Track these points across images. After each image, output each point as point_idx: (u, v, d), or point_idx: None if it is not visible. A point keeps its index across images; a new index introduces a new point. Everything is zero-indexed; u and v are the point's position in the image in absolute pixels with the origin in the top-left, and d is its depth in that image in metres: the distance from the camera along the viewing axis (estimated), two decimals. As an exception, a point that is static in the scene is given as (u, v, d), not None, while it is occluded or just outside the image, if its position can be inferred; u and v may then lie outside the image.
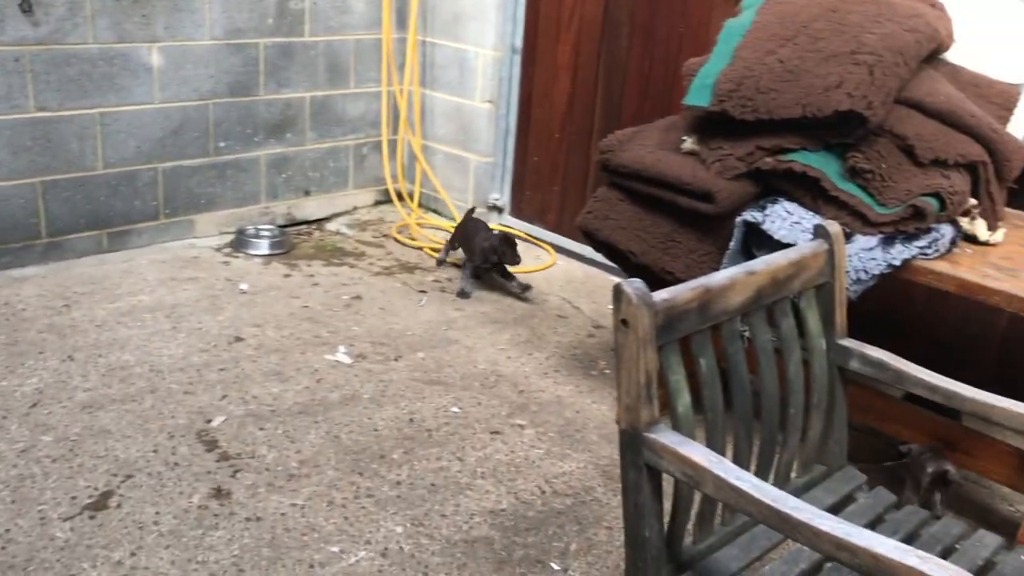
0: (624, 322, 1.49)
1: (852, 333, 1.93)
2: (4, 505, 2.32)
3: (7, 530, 2.24)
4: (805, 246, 1.84)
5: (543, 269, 4.18)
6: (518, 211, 4.55)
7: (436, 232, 4.50)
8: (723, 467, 1.43)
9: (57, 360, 3.01)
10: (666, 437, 1.50)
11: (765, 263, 1.74)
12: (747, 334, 1.77)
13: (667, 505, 1.63)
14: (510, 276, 3.84)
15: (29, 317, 3.28)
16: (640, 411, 1.51)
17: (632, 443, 1.52)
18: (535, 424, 2.92)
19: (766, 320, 1.75)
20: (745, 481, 1.40)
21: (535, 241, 4.45)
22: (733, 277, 1.66)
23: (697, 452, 1.46)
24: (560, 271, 4.19)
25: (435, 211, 4.76)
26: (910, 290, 2.84)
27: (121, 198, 3.86)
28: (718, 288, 1.63)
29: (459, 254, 4.00)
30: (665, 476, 1.51)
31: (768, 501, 1.36)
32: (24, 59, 3.47)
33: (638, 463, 1.53)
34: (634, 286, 1.48)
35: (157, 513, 2.34)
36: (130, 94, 3.77)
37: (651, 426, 1.52)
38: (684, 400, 1.57)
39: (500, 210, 4.58)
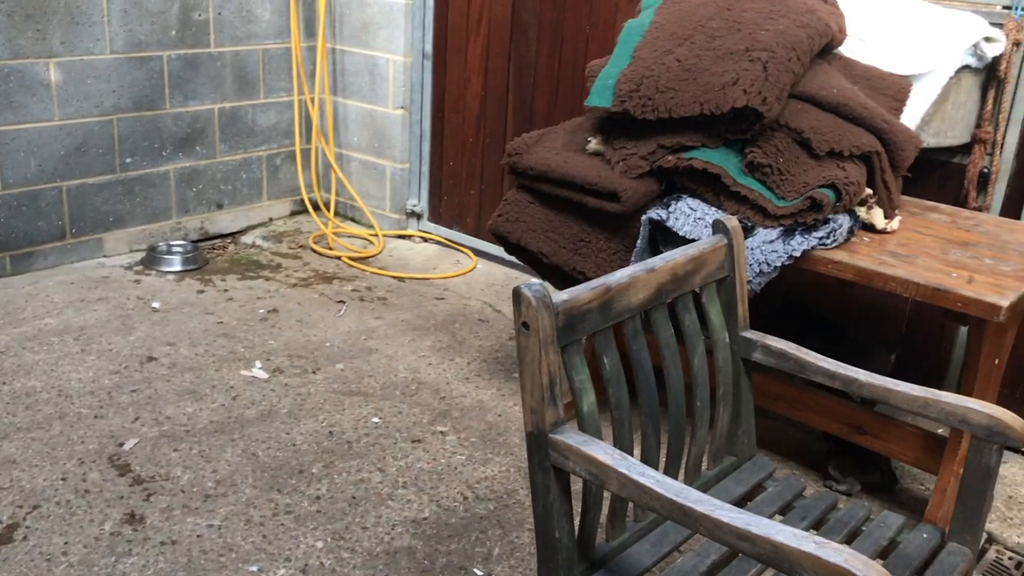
0: (525, 325, 1.49)
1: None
2: (-99, 544, 2.23)
3: (-95, 570, 2.15)
4: (704, 242, 1.87)
5: (463, 274, 4.18)
6: (436, 216, 4.53)
7: (353, 241, 4.46)
8: (626, 464, 1.45)
9: (-42, 390, 2.91)
10: (571, 437, 1.50)
11: (664, 260, 1.76)
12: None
13: (580, 506, 1.65)
14: None
15: (-73, 347, 3.16)
16: (544, 412, 1.51)
17: (538, 445, 1.53)
18: (457, 430, 2.92)
19: (668, 316, 1.77)
20: (648, 477, 1.42)
21: (454, 246, 4.44)
22: (633, 275, 1.68)
23: (601, 450, 1.47)
24: (480, 275, 4.19)
25: (353, 219, 4.71)
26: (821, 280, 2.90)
27: (23, 219, 3.74)
28: (619, 287, 1.64)
29: None
30: (575, 476, 1.52)
31: (670, 495, 1.38)
32: (-89, 79, 3.34)
33: (545, 464, 1.53)
34: (532, 289, 1.48)
35: (66, 543, 2.27)
36: (28, 112, 3.65)
37: (556, 427, 1.52)
38: (589, 399, 1.58)
39: (418, 216, 4.57)
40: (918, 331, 3.09)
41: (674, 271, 1.77)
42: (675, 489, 1.39)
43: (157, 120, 4.06)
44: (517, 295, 1.49)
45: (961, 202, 2.92)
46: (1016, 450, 2.96)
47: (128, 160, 4.00)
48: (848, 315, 3.19)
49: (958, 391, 2.38)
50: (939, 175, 2.99)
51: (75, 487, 2.49)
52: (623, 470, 1.43)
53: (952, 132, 2.83)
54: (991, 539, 2.56)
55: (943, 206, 2.73)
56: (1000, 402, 2.94)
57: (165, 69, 4.02)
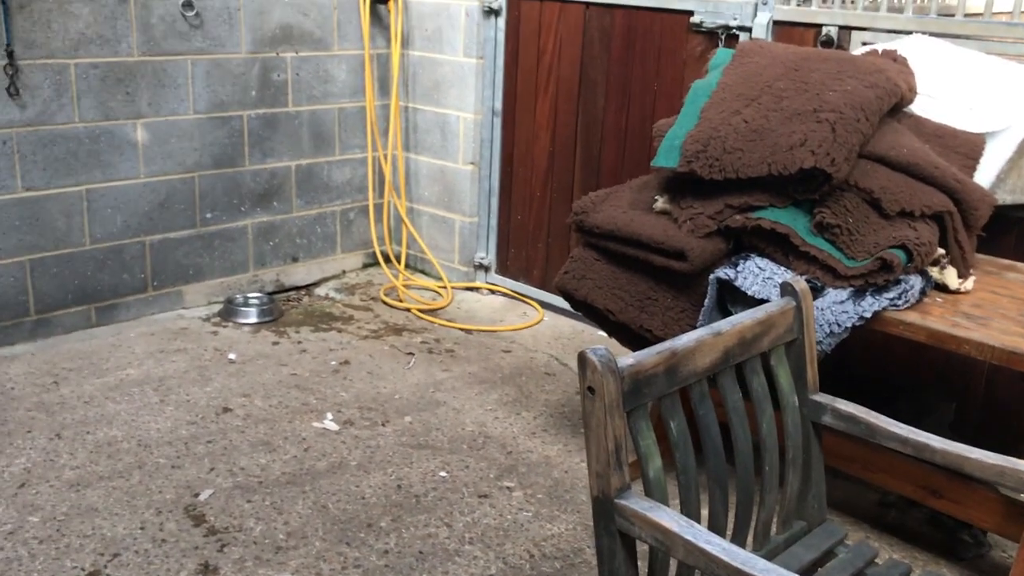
0: (590, 389, 1.51)
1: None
2: (-11, 590, 2.32)
3: (-8, 615, 2.23)
4: (772, 304, 1.87)
5: (530, 326, 4.21)
6: (504, 269, 4.59)
7: (422, 293, 4.54)
8: (693, 531, 1.44)
9: (45, 438, 3.02)
10: (636, 503, 1.51)
11: (731, 323, 1.76)
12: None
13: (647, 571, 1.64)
14: None
15: (17, 396, 3.29)
16: (610, 478, 1.52)
17: (603, 510, 1.53)
18: (523, 486, 2.92)
19: (735, 379, 1.77)
20: (714, 545, 1.41)
21: (521, 298, 4.48)
22: (700, 339, 1.69)
23: (667, 517, 1.47)
24: (547, 328, 4.22)
25: (423, 272, 4.80)
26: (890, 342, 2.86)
27: (108, 272, 3.90)
28: (684, 351, 1.65)
29: None
30: (641, 542, 1.52)
31: (736, 564, 1.37)
32: (11, 141, 3.54)
33: (611, 529, 1.54)
34: (598, 353, 1.50)
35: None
36: (116, 170, 3.83)
37: (622, 492, 1.53)
38: (655, 464, 1.59)
39: (486, 269, 4.62)
40: (997, 393, 3.01)
41: (742, 334, 1.77)
42: (742, 558, 1.38)
43: (236, 177, 4.21)
44: (583, 359, 1.50)
45: (1040, 260, 2.86)
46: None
47: (208, 215, 4.15)
48: (922, 377, 3.12)
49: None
50: (1017, 232, 2.92)
51: (153, 536, 2.56)
52: (689, 537, 1.43)
53: (1029, 189, 2.78)
54: (1078, 611, 2.45)
55: (1021, 265, 2.67)
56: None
57: (245, 128, 4.18)
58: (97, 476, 2.83)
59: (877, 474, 2.62)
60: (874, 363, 3.19)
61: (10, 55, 3.46)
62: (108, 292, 3.92)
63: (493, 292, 4.60)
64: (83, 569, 2.41)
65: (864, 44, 3.07)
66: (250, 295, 4.25)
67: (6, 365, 3.52)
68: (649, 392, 1.59)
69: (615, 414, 1.51)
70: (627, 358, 1.57)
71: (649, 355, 1.60)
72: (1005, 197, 2.72)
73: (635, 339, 2.62)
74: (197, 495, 2.77)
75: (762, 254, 2.37)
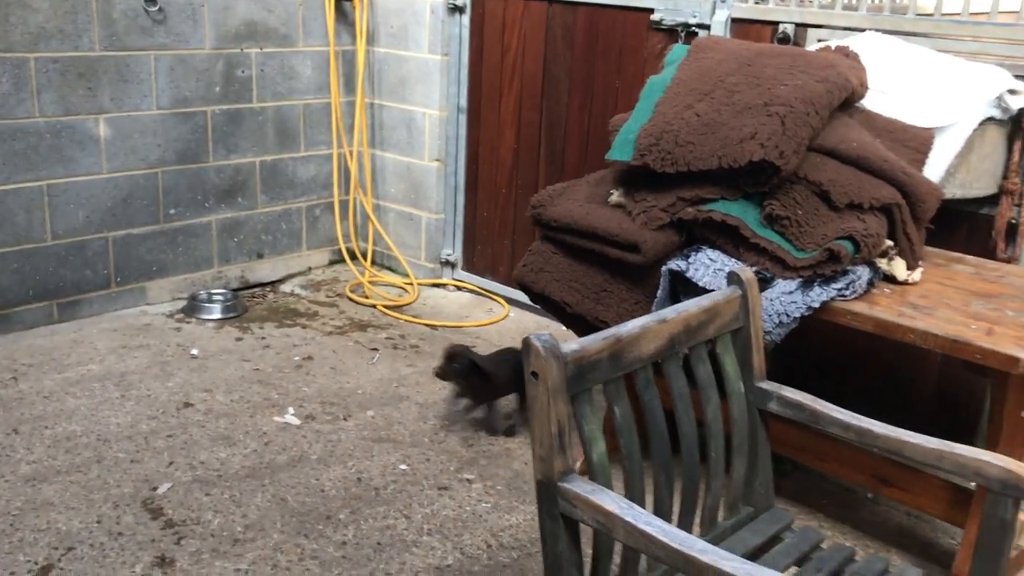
0: (534, 374, 1.53)
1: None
2: (-59, 583, 2.30)
3: (-57, 609, 2.22)
4: (718, 293, 1.90)
5: (496, 322, 4.23)
6: (470, 265, 4.60)
7: (388, 289, 4.54)
8: (632, 513, 1.47)
9: (2, 434, 3.00)
10: (579, 486, 1.53)
11: (677, 311, 1.79)
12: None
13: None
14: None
15: (-25, 391, 3.27)
16: (553, 461, 1.54)
17: (547, 493, 1.55)
18: (483, 478, 2.94)
19: (681, 366, 1.80)
20: (653, 526, 1.44)
21: (488, 294, 4.50)
22: (645, 326, 1.71)
23: (608, 500, 1.49)
24: (512, 323, 4.24)
25: (389, 268, 4.80)
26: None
27: (71, 268, 3.88)
28: (629, 337, 1.68)
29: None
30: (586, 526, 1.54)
31: (674, 545, 1.39)
32: (-31, 135, 3.51)
33: (553, 513, 1.56)
34: (541, 339, 1.52)
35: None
36: (78, 165, 3.81)
37: (565, 476, 1.55)
38: (599, 449, 1.61)
39: (453, 265, 4.64)
40: (948, 384, 3.06)
41: (687, 322, 1.80)
42: (680, 539, 1.41)
43: (200, 172, 4.20)
44: (527, 345, 1.53)
45: (990, 253, 2.91)
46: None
47: (172, 211, 4.14)
48: (877, 370, 3.18)
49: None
50: (967, 227, 2.98)
51: (109, 530, 2.56)
52: (629, 519, 1.45)
53: (978, 183, 2.83)
54: (1025, 596, 2.51)
55: (969, 257, 2.72)
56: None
57: (209, 124, 4.17)
58: (54, 471, 2.82)
59: (829, 463, 2.66)
60: (826, 358, 3.24)
61: (-32, 49, 3.44)
62: (70, 288, 3.90)
63: (459, 288, 4.61)
64: (36, 563, 2.40)
65: (819, 41, 3.12)
66: (214, 291, 4.24)
67: (-36, 361, 3.49)
68: (593, 377, 1.61)
69: (559, 399, 1.53)
70: (571, 344, 1.59)
71: (594, 341, 1.63)
72: (955, 191, 2.77)
73: (591, 331, 2.62)
74: (155, 489, 2.76)
75: (713, 246, 2.40)
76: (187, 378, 3.48)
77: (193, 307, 4.11)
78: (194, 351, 3.72)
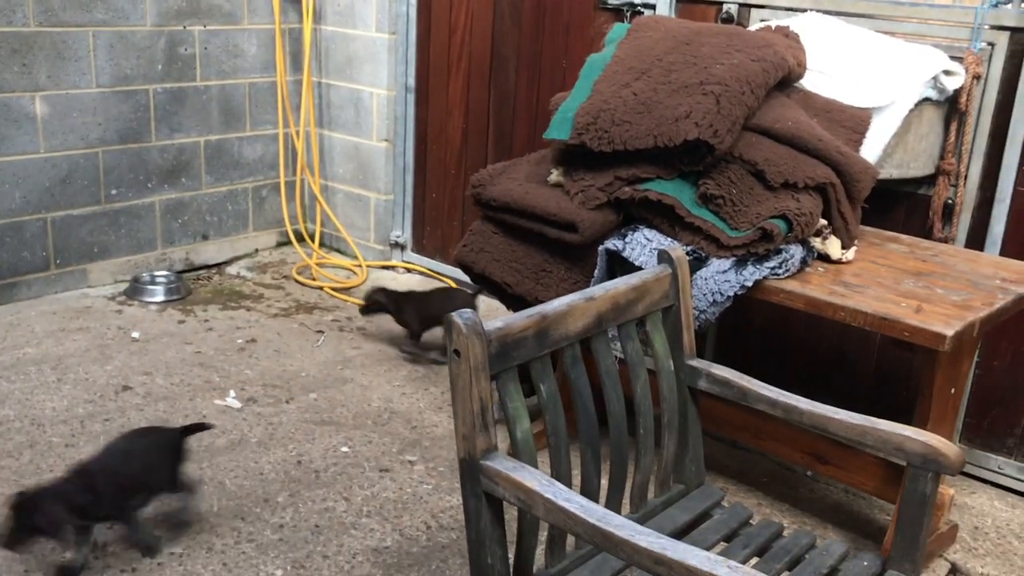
0: (456, 352, 1.52)
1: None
2: None
3: None
4: (647, 271, 1.89)
5: (444, 304, 4.20)
6: (420, 247, 4.57)
7: (336, 271, 4.50)
8: (552, 490, 1.46)
9: (-68, 418, 2.94)
10: (500, 463, 1.52)
11: (605, 289, 1.78)
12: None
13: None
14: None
15: (-95, 375, 3.19)
16: (476, 439, 1.53)
17: (469, 471, 1.55)
18: (426, 459, 2.93)
19: (608, 344, 1.79)
20: (572, 503, 1.43)
21: (437, 276, 4.47)
22: (571, 303, 1.71)
23: (528, 476, 1.49)
24: (461, 305, 4.21)
25: (338, 250, 4.76)
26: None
27: (8, 250, 3.79)
28: (555, 315, 1.67)
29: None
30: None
31: (591, 520, 1.39)
32: (-102, 112, 3.41)
33: (476, 491, 1.55)
34: (464, 317, 1.51)
35: (26, 572, 2.28)
36: (13, 144, 3.71)
37: (487, 454, 1.54)
38: (523, 426, 1.60)
39: (402, 247, 4.60)
40: (887, 364, 3.10)
41: (615, 300, 1.80)
42: (598, 514, 1.41)
43: (143, 152, 4.12)
44: (449, 323, 1.51)
45: (927, 233, 2.94)
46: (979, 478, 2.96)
47: (113, 192, 4.06)
48: (821, 352, 3.20)
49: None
50: (905, 206, 3.01)
51: (40, 515, 2.50)
52: (549, 495, 1.45)
53: (916, 163, 2.86)
54: (955, 569, 2.55)
55: (904, 237, 2.75)
56: (968, 433, 2.95)
57: (151, 102, 4.09)
58: (-15, 455, 2.76)
59: (767, 442, 2.69)
60: (771, 341, 3.27)
61: None
62: (7, 270, 3.81)
63: (409, 271, 4.58)
64: (-36, 549, 2.35)
65: (762, 21, 3.12)
66: (157, 273, 4.17)
67: None
68: (518, 355, 1.60)
69: (480, 376, 1.52)
70: (495, 321, 1.58)
71: (518, 319, 1.62)
72: (892, 171, 2.79)
73: (532, 311, 2.63)
74: (90, 473, 2.71)
75: (650, 225, 2.40)
76: (127, 361, 3.43)
77: (135, 289, 4.04)
78: (135, 334, 3.66)
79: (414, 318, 3.55)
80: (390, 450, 2.97)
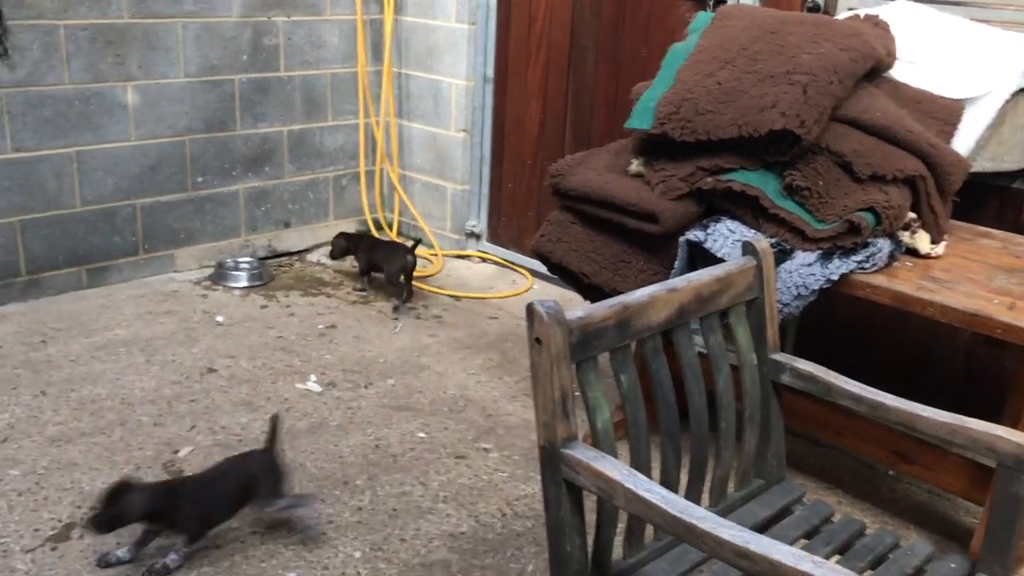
0: (537, 340, 1.52)
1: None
2: (-33, 538, 2.35)
3: (-32, 563, 2.27)
4: (732, 263, 1.87)
5: (519, 294, 4.22)
6: (495, 237, 4.59)
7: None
8: (633, 480, 1.46)
9: (30, 395, 3.06)
10: (581, 452, 1.53)
11: (688, 280, 1.77)
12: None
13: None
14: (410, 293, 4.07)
15: (5, 354, 3.33)
16: (556, 427, 1.54)
17: (549, 459, 1.55)
18: (501, 447, 2.95)
19: (690, 336, 1.78)
20: (654, 493, 1.43)
21: (512, 266, 4.49)
22: (653, 294, 1.70)
23: (609, 466, 1.49)
24: (536, 295, 4.22)
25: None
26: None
27: (100, 234, 3.93)
28: (637, 305, 1.66)
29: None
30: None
31: (673, 512, 1.39)
32: (1, 101, 3.55)
33: (556, 479, 1.56)
34: (546, 305, 1.51)
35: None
36: (106, 132, 3.84)
37: (568, 442, 1.55)
38: (603, 416, 1.60)
39: (478, 237, 4.63)
40: (976, 362, 3.01)
41: (698, 291, 1.78)
42: (680, 506, 1.40)
43: (228, 141, 4.22)
44: (530, 311, 1.52)
45: (1021, 229, 2.84)
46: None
47: (199, 179, 4.17)
48: (906, 348, 3.13)
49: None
50: (998, 200, 2.92)
51: (130, 490, 2.59)
52: (629, 485, 1.45)
53: (1010, 156, 2.76)
54: (1045, 576, 2.47)
55: (996, 232, 2.66)
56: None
57: (236, 92, 4.19)
58: (79, 432, 2.87)
59: (849, 439, 2.64)
60: (856, 335, 3.20)
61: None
62: (99, 254, 3.95)
63: (484, 260, 4.61)
64: (60, 520, 2.45)
65: (850, 9, 3.05)
66: (241, 259, 4.27)
67: (-4, 324, 3.56)
68: (599, 345, 1.60)
69: (562, 365, 1.52)
70: (577, 311, 1.58)
71: (600, 308, 1.62)
72: (984, 164, 2.71)
73: (610, 302, 2.62)
74: (176, 452, 2.81)
75: (733, 216, 2.37)
76: (212, 344, 3.52)
77: (220, 275, 4.15)
78: (219, 318, 3.76)
79: (362, 259, 4.08)
80: (465, 437, 3.00)
